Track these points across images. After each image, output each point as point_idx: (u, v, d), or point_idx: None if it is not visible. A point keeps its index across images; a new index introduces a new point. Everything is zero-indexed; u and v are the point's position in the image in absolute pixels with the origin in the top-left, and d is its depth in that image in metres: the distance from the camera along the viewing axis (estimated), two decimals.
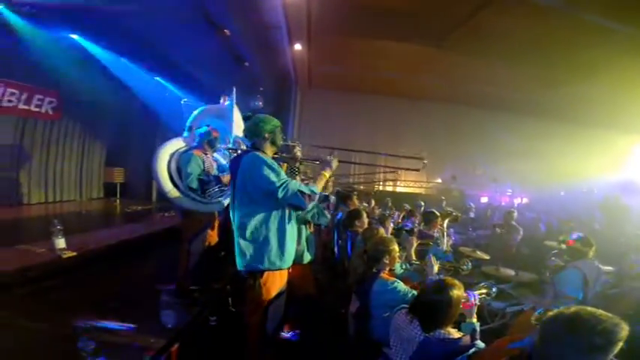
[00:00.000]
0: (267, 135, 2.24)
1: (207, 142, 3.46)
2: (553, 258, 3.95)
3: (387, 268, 2.40)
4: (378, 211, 6.29)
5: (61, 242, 3.68)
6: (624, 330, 1.10)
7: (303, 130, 11.45)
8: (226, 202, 3.51)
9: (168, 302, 2.92)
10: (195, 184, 3.26)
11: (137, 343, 2.10)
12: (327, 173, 2.31)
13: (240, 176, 2.16)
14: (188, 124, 3.93)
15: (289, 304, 2.39)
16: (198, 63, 6.08)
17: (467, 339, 1.66)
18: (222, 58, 6.35)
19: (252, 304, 2.19)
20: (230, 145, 3.70)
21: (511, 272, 3.97)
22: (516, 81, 8.85)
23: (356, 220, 3.60)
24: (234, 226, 2.20)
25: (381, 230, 3.29)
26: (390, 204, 7.59)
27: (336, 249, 4.25)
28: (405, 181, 10.92)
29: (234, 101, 4.15)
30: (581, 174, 9.67)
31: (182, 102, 5.42)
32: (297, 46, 7.81)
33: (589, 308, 1.17)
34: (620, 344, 1.10)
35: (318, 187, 2.22)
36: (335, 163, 2.35)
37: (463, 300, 1.78)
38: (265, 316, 2.16)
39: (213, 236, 3.70)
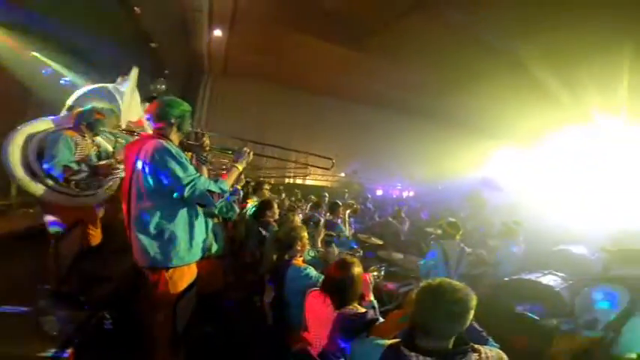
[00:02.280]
0: (174, 120, 2.03)
1: (87, 125, 2.97)
2: (432, 242, 4.75)
3: (299, 255, 2.47)
4: (288, 203, 6.49)
5: None
6: (474, 299, 1.28)
7: (212, 117, 10.84)
8: (104, 194, 3.12)
9: (46, 308, 2.52)
10: (57, 171, 2.70)
11: (17, 352, 1.78)
12: (241, 166, 2.23)
13: (139, 165, 1.91)
14: (69, 102, 3.36)
15: (199, 300, 2.27)
16: (94, 38, 5.11)
17: (372, 313, 1.86)
18: (125, 36, 5.53)
19: (157, 301, 2.00)
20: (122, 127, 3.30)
21: (400, 256, 4.64)
22: (419, 86, 9.93)
23: (267, 211, 3.67)
24: (133, 221, 1.95)
25: (296, 218, 3.45)
26: (299, 196, 7.88)
27: (246, 241, 4.26)
28: (313, 174, 11.40)
29: (135, 83, 3.71)
30: (455, 171, 11.49)
31: (62, 81, 4.60)
32: (217, 32, 7.48)
33: (449, 280, 1.33)
34: (473, 312, 1.26)
35: (229, 181, 2.12)
36: (250, 156, 2.27)
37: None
38: (174, 313, 1.97)
39: (95, 235, 3.18)
